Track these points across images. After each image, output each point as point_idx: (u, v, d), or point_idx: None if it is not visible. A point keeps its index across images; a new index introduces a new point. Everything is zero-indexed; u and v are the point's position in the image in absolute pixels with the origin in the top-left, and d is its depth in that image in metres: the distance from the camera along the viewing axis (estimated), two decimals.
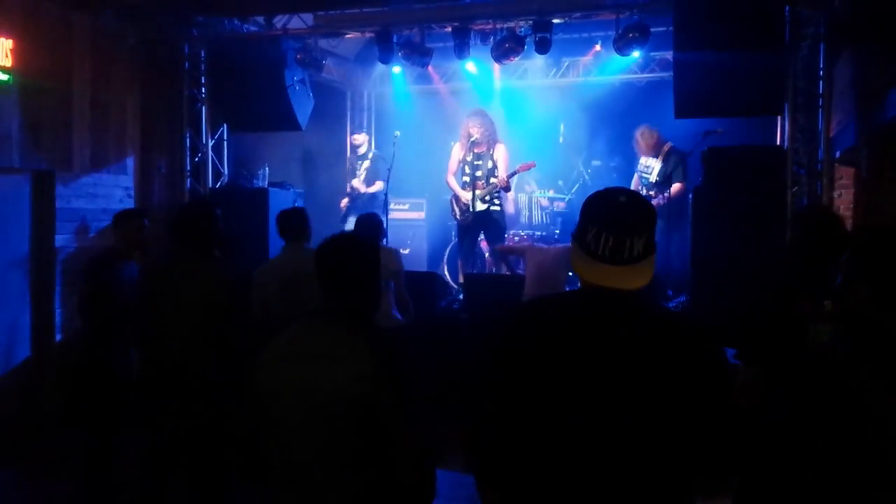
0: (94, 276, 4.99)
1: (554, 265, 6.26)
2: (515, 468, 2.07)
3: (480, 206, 8.16)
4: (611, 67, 10.02)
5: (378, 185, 9.36)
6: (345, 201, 9.60)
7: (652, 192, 8.29)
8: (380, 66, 10.06)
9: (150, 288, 4.22)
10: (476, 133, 8.13)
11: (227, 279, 4.18)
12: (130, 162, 7.79)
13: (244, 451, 2.68)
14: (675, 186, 8.08)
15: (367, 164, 9.51)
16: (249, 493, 4.68)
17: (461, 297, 7.82)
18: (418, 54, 8.36)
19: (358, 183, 9.42)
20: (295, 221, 5.21)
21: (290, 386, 2.38)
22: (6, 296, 6.48)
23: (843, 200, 6.36)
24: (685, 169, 8.19)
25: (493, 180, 8.14)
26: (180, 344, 3.99)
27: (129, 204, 7.70)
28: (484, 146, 8.18)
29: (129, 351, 4.85)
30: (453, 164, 8.43)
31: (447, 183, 8.50)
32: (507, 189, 8.30)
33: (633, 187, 8.59)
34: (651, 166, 8.42)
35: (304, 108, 8.30)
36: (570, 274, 7.06)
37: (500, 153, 8.22)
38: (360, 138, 9.82)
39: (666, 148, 8.36)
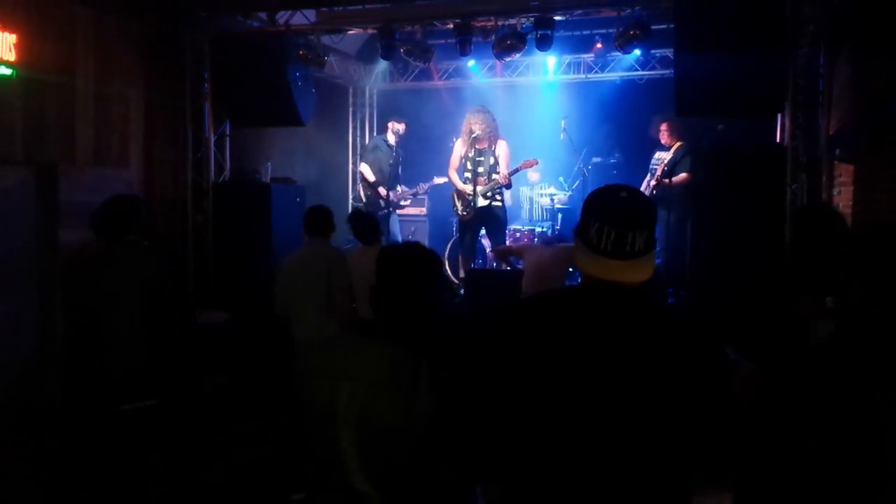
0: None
1: (552, 265, 6.29)
2: (515, 461, 2.07)
3: (482, 202, 8.20)
4: (612, 65, 10.07)
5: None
6: (395, 195, 9.29)
7: (654, 181, 8.34)
8: (382, 63, 10.09)
9: (78, 282, 4.20)
10: (478, 129, 8.16)
11: (161, 262, 4.28)
12: (133, 156, 7.80)
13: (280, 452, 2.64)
14: (682, 175, 8.12)
15: (400, 158, 9.39)
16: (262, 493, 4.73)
17: (462, 292, 7.86)
18: (420, 51, 8.38)
19: (423, 186, 9.37)
20: (321, 216, 5.38)
21: (342, 404, 2.31)
22: (11, 288, 6.50)
23: (843, 198, 6.38)
24: (692, 163, 8.21)
25: (494, 177, 8.18)
26: (119, 335, 4.00)
27: None
28: (485, 142, 8.22)
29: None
30: (455, 159, 8.47)
31: (448, 178, 8.54)
32: (508, 186, 8.34)
33: (643, 184, 8.63)
34: (662, 158, 8.51)
35: (306, 103, 8.32)
36: (570, 271, 7.09)
37: (502, 150, 8.27)
38: (402, 125, 9.40)
39: (678, 144, 8.45)
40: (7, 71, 6.13)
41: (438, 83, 10.92)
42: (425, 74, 10.83)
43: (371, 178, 9.22)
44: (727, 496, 2.71)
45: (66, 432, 4.90)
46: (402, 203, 9.72)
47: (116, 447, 4.07)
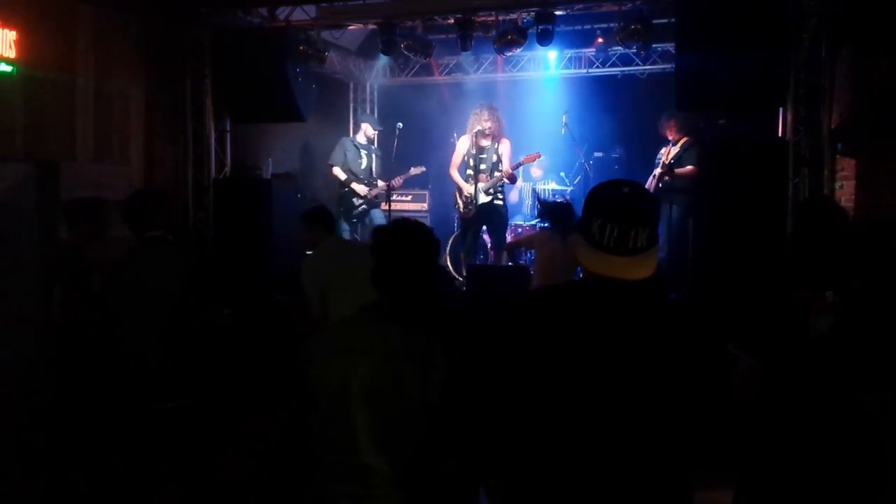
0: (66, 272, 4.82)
1: (565, 257, 6.27)
2: (518, 455, 2.09)
3: (484, 199, 8.19)
4: (613, 59, 10.05)
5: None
6: (374, 191, 9.20)
7: (662, 173, 8.28)
8: (382, 58, 10.06)
9: (116, 282, 4.16)
10: (486, 125, 8.14)
11: (187, 259, 4.25)
12: (134, 153, 7.79)
13: (282, 443, 2.63)
14: (687, 168, 8.08)
15: (373, 155, 9.40)
16: (264, 490, 4.71)
17: (464, 288, 7.85)
18: (421, 46, 8.37)
19: (399, 179, 9.33)
20: (330, 215, 5.33)
21: (355, 379, 2.33)
22: (11, 285, 6.49)
23: (845, 192, 6.37)
24: (699, 157, 8.15)
25: (496, 174, 8.18)
26: (147, 334, 3.98)
27: None
28: (490, 138, 8.21)
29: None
30: (457, 157, 8.44)
31: (450, 176, 8.51)
32: (512, 181, 8.32)
33: (649, 180, 8.59)
34: (668, 152, 8.45)
35: (307, 99, 8.30)
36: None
37: (505, 148, 8.26)
38: (375, 132, 9.52)
39: (684, 139, 8.36)
40: (7, 68, 6.12)
41: (439, 78, 10.90)
42: (426, 70, 10.81)
43: (342, 177, 9.19)
44: (729, 492, 2.70)
45: (91, 431, 4.89)
46: (380, 194, 9.64)
47: (143, 447, 4.04)
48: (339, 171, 9.18)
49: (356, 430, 2.32)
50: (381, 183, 9.15)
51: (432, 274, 2.52)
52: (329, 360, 2.42)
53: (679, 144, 8.35)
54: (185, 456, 4.21)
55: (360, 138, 9.43)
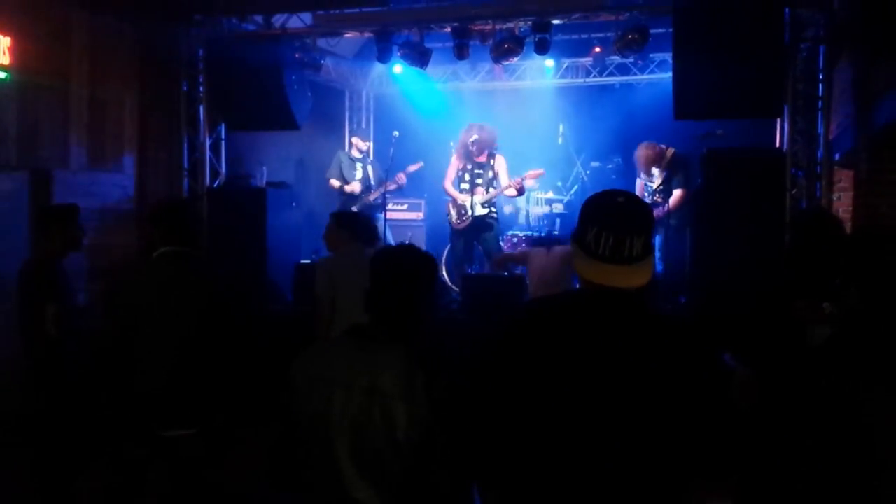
0: (45, 282, 4.62)
1: (556, 268, 6.28)
2: (515, 467, 2.09)
3: (481, 211, 8.18)
4: (610, 69, 10.05)
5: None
6: (372, 195, 9.23)
7: (657, 198, 8.21)
8: (378, 66, 10.05)
9: (132, 297, 3.82)
10: (475, 145, 8.12)
11: (217, 274, 4.03)
12: (128, 160, 7.78)
13: (272, 458, 2.57)
14: (676, 193, 8.03)
15: (369, 167, 9.39)
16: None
17: (459, 298, 7.81)
18: (417, 54, 8.35)
19: (401, 177, 9.29)
20: (363, 224, 5.37)
21: (336, 412, 2.26)
22: (6, 293, 6.44)
23: (843, 203, 6.35)
24: (687, 174, 8.10)
25: (492, 190, 8.17)
26: (177, 354, 3.72)
27: (127, 203, 7.67)
28: (484, 157, 8.20)
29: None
30: (452, 171, 8.43)
31: (445, 189, 8.48)
32: (521, 192, 8.30)
33: (637, 192, 8.54)
34: (653, 173, 8.34)
35: (302, 107, 8.28)
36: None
37: (501, 164, 8.26)
38: (367, 144, 9.60)
39: (669, 155, 8.20)
40: (1, 74, 6.10)
41: (437, 86, 10.88)
42: (423, 78, 10.79)
43: (337, 185, 9.22)
44: (728, 500, 2.68)
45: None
46: (377, 204, 9.58)
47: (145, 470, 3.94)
48: (334, 182, 9.20)
49: (338, 461, 2.25)
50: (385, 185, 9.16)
51: (426, 303, 2.42)
52: (310, 388, 2.33)
53: (663, 166, 8.18)
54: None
55: (354, 152, 9.45)
